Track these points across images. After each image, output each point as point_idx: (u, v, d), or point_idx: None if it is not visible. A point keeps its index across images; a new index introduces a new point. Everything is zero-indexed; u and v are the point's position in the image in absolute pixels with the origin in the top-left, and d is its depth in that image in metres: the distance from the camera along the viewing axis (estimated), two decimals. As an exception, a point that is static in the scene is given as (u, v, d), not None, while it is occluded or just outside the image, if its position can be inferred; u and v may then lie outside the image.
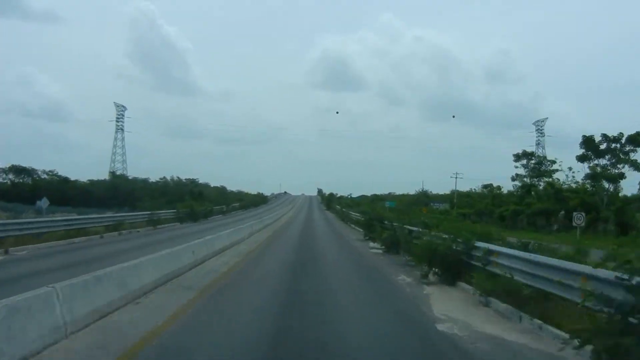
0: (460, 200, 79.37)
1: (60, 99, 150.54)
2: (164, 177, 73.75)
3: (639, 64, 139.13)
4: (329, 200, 77.37)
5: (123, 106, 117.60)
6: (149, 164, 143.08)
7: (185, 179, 73.01)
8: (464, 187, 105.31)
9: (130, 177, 77.19)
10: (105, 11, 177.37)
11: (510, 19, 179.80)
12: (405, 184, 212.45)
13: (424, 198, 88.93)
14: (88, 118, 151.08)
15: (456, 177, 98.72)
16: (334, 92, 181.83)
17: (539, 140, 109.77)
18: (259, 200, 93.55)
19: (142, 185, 65.20)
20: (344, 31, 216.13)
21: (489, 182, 77.80)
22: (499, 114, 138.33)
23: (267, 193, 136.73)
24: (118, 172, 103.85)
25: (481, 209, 63.33)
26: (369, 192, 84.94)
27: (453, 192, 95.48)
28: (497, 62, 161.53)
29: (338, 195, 77.87)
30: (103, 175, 78.68)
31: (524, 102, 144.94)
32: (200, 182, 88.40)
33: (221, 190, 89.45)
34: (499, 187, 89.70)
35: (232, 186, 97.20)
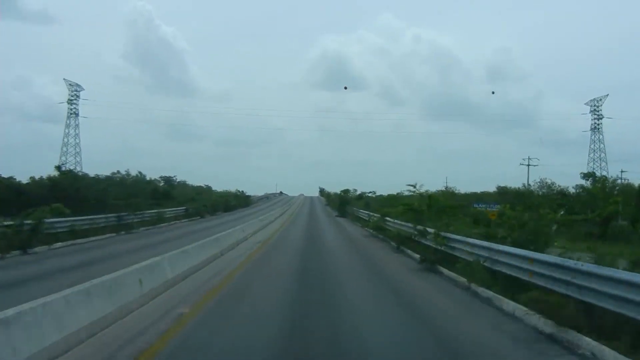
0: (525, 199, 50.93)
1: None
2: (117, 172, 46.73)
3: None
4: (342, 202, 48.20)
5: (78, 85, 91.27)
6: (146, 164, 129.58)
7: (161, 177, 58.99)
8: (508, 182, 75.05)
9: (82, 173, 52.43)
10: (101, 11, 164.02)
11: (512, 17, 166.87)
12: (401, 184, 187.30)
13: (456, 198, 59.59)
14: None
15: (529, 165, 70.02)
16: (333, 92, 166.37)
17: (595, 124, 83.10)
18: (239, 202, 64.83)
19: (90, 183, 39.08)
20: (343, 31, 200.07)
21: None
22: (501, 113, 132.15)
23: (260, 194, 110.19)
24: (70, 167, 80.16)
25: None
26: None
27: (500, 189, 67.96)
28: (498, 60, 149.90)
29: (357, 193, 49.09)
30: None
31: (526, 101, 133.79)
32: (177, 180, 70.75)
33: (203, 191, 67.65)
34: (604, 179, 60.67)
35: (227, 187, 76.74)
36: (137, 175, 48.07)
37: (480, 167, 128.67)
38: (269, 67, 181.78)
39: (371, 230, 25.68)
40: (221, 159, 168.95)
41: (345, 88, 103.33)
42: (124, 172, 46.52)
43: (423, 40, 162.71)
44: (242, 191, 73.25)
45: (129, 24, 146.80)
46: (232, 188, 73.78)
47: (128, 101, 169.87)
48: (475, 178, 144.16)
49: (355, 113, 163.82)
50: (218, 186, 76.05)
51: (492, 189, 54.12)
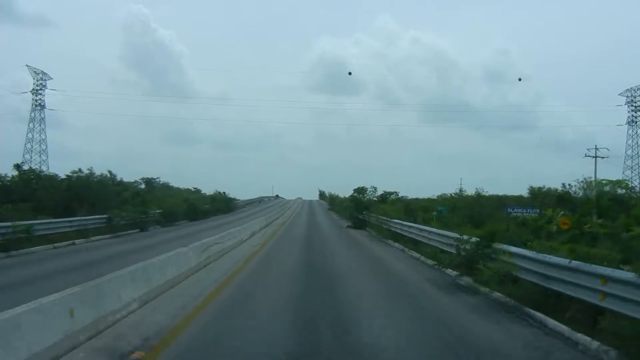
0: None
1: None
2: (79, 171, 32.51)
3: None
4: (358, 207, 32.09)
5: (44, 73, 77.23)
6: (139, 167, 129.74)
7: (142, 178, 53.33)
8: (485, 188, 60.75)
9: (52, 174, 40.13)
10: (99, 15, 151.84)
11: (509, 20, 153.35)
12: (407, 188, 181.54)
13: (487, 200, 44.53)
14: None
15: (595, 157, 56.11)
16: (331, 95, 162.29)
17: (633, 116, 70.66)
18: (218, 206, 49.46)
19: (52, 184, 28.58)
20: (341, 34, 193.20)
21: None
22: (498, 116, 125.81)
23: (255, 197, 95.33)
24: (34, 166, 67.09)
25: None
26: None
27: (534, 191, 53.61)
28: (496, 63, 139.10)
29: (378, 194, 32.81)
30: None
31: (525, 104, 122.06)
32: (161, 182, 63.02)
33: (192, 194, 56.04)
34: None
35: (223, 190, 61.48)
36: (102, 175, 35.49)
37: (483, 170, 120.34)
38: (266, 70, 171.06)
39: (476, 283, 10.07)
40: (217, 162, 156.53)
41: (350, 74, 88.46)
42: (86, 171, 33.33)
43: (423, 43, 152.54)
44: (224, 192, 58.09)
45: (124, 28, 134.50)
46: (227, 191, 59.45)
47: (121, 104, 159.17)
48: (478, 181, 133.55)
49: (354, 116, 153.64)
50: (214, 190, 63.29)
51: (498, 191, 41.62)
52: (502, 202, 48.34)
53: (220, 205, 49.92)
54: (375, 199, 32.59)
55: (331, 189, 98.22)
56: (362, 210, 31.75)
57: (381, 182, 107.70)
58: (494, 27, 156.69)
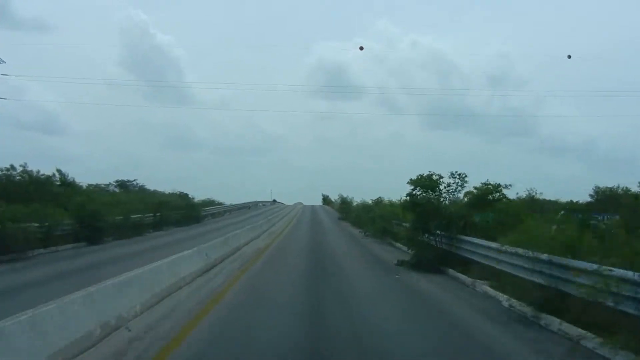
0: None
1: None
2: (11, 167, 23.51)
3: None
4: (427, 218, 15.46)
5: None
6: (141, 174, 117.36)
7: (116, 181, 45.44)
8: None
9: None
10: (98, 19, 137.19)
11: (508, 23, 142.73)
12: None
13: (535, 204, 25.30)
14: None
15: None
16: (331, 100, 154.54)
17: None
18: (168, 214, 31.14)
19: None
20: (340, 38, 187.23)
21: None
22: (500, 120, 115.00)
23: (251, 201, 79.44)
24: None
25: None
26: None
27: (607, 191, 38.59)
28: (496, 67, 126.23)
29: (468, 188, 16.34)
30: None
31: (526, 108, 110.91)
32: (138, 184, 54.65)
33: (180, 199, 43.90)
34: None
35: (222, 197, 58.60)
36: (39, 173, 25.44)
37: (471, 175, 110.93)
38: (266, 75, 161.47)
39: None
40: (215, 167, 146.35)
41: (361, 49, 70.60)
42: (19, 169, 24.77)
43: (426, 47, 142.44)
44: (185, 193, 40.31)
45: (122, 32, 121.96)
46: (226, 196, 44.16)
47: (118, 107, 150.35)
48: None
49: (355, 120, 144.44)
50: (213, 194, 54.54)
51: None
52: (541, 207, 34.02)
53: (172, 214, 31.36)
54: (467, 199, 14.21)
55: (333, 193, 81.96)
56: (437, 228, 13.53)
57: (384, 186, 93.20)
58: (498, 28, 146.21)
